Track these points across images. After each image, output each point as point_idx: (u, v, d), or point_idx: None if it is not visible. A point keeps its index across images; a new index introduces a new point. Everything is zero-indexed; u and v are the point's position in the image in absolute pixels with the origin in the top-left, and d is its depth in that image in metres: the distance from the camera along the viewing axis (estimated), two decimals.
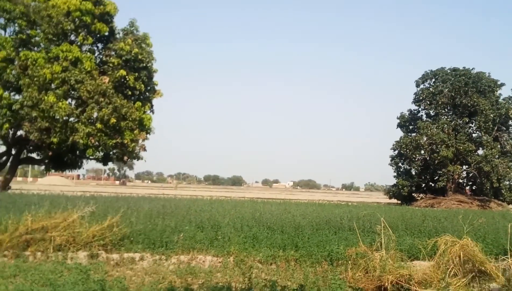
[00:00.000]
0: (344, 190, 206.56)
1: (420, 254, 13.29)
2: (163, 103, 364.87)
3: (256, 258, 13.40)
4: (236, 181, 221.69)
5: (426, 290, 9.29)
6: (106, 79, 24.18)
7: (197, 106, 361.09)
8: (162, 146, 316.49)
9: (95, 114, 23.77)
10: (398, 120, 61.52)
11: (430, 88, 58.98)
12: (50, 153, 26.80)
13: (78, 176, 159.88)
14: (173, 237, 15.05)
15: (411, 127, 60.32)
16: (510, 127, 56.63)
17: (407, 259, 12.27)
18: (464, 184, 59.67)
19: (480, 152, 55.18)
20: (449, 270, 10.79)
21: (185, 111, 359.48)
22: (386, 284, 10.16)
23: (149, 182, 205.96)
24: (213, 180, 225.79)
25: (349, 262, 12.24)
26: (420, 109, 60.93)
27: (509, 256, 12.33)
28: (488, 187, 53.13)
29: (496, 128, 55.04)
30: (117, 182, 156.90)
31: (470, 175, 56.79)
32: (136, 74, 25.01)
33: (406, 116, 61.08)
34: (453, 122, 56.20)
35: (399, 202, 57.34)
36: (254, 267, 12.41)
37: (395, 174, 60.25)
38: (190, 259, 13.29)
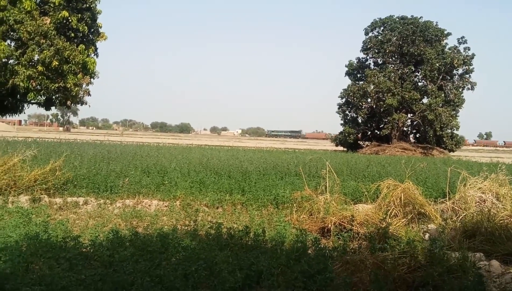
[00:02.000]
0: (292, 138, 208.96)
1: (363, 197, 13.69)
2: (109, 47, 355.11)
3: (203, 202, 13.51)
4: (184, 128, 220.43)
5: (367, 230, 9.59)
6: (47, 20, 23.07)
7: (145, 52, 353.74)
8: (108, 92, 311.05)
9: (36, 57, 22.78)
10: (347, 68, 61.89)
11: (379, 37, 59.36)
12: None
13: (20, 121, 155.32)
14: (118, 181, 14.96)
15: (359, 75, 60.81)
16: (455, 76, 57.83)
17: (351, 202, 12.60)
18: (408, 132, 61.14)
19: (425, 100, 56.28)
20: (390, 211, 11.18)
21: (133, 56, 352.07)
22: (329, 225, 10.46)
23: (94, 128, 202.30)
24: (161, 127, 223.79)
25: (294, 205, 12.51)
26: (368, 57, 61.41)
27: (447, 198, 12.85)
28: (431, 135, 54.68)
29: (441, 77, 56.15)
30: (61, 128, 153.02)
31: (414, 123, 58.22)
32: (79, 15, 23.99)
33: (354, 65, 61.47)
34: (399, 71, 57.05)
35: (345, 149, 58.39)
36: (200, 210, 12.52)
37: (342, 122, 61.00)
38: (136, 203, 13.26)
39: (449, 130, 55.60)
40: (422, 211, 11.73)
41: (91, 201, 13.26)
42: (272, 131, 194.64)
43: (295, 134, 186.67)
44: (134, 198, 13.79)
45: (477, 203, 12.24)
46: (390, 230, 9.39)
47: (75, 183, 14.64)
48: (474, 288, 6.09)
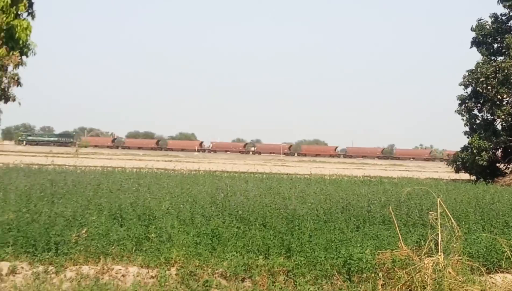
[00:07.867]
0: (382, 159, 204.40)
1: (504, 261, 13.54)
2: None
3: (217, 269, 13.52)
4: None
5: None
6: None
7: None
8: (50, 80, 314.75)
9: None
10: (474, 34, 59.70)
11: None
12: None
13: None
14: (68, 234, 15.04)
15: (496, 46, 59.13)
16: None
17: (482, 269, 12.49)
18: None
19: None
20: None
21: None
22: None
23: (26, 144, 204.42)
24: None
25: (380, 274, 12.47)
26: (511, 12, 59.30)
27: None
28: None
29: None
30: None
31: None
32: None
33: (489, 27, 58.99)
34: None
35: (473, 177, 56.91)
36: (213, 285, 12.52)
37: (467, 129, 58.91)
38: (100, 272, 13.32)
39: None
40: None
41: (22, 267, 13.37)
42: (28, 134, 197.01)
43: (65, 140, 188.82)
44: (97, 262, 13.85)
45: None
46: None
47: None
48: None
